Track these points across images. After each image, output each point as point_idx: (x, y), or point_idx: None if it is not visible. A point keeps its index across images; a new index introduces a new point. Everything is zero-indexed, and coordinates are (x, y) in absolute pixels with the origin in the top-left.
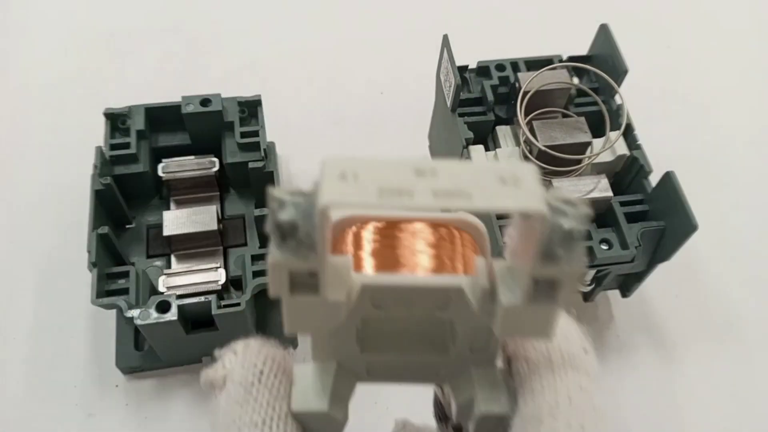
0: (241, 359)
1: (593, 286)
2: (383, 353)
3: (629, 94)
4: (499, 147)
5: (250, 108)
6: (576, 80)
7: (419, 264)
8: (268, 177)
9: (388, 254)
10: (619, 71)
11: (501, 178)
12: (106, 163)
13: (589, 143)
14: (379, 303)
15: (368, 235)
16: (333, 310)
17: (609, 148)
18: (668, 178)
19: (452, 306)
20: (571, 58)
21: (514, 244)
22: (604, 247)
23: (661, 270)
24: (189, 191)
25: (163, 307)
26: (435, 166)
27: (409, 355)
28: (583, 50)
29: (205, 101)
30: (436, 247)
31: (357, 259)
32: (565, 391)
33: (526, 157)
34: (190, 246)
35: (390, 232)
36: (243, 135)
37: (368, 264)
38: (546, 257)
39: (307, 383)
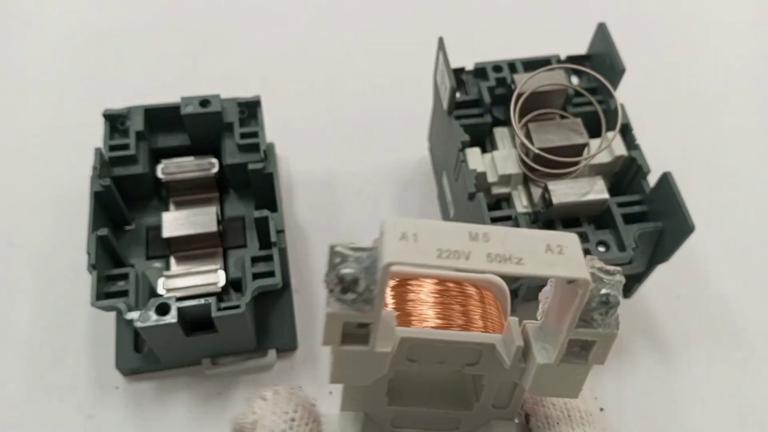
0: (272, 406)
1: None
2: (410, 406)
3: (628, 94)
4: (497, 149)
5: (250, 109)
6: (574, 80)
7: (451, 320)
8: (268, 178)
9: (421, 310)
10: (616, 71)
11: (548, 245)
12: (105, 165)
13: (585, 145)
14: (414, 356)
15: (402, 291)
16: (378, 362)
17: (606, 148)
18: (666, 179)
19: (483, 362)
20: (569, 59)
21: (551, 306)
22: (602, 249)
23: (661, 271)
24: (188, 192)
25: (163, 309)
26: (487, 231)
27: (434, 408)
28: (581, 50)
29: (204, 102)
30: (465, 304)
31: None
32: None
33: (522, 160)
34: (190, 248)
35: (422, 288)
36: (242, 136)
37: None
38: (583, 320)
39: None
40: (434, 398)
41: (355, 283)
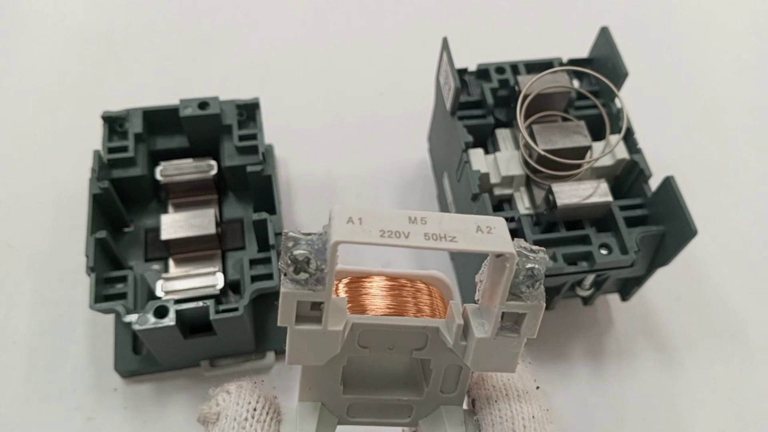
0: (235, 397)
1: (592, 290)
2: (363, 393)
3: (630, 97)
4: (499, 150)
5: (249, 111)
6: (576, 83)
7: (401, 310)
8: (267, 180)
9: (373, 302)
10: (619, 74)
11: (478, 227)
12: (104, 167)
13: (588, 147)
14: (365, 343)
15: (356, 287)
16: (331, 341)
17: (609, 152)
18: (668, 183)
19: (430, 346)
20: (572, 61)
21: (485, 286)
22: (604, 251)
23: (661, 273)
24: (187, 195)
25: (161, 312)
26: (425, 215)
27: (387, 394)
28: (583, 53)
29: (203, 104)
30: (414, 297)
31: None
32: (520, 420)
33: (525, 161)
34: (189, 250)
35: (374, 284)
36: (241, 138)
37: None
38: (512, 294)
39: (294, 423)
40: (387, 386)
41: (307, 263)
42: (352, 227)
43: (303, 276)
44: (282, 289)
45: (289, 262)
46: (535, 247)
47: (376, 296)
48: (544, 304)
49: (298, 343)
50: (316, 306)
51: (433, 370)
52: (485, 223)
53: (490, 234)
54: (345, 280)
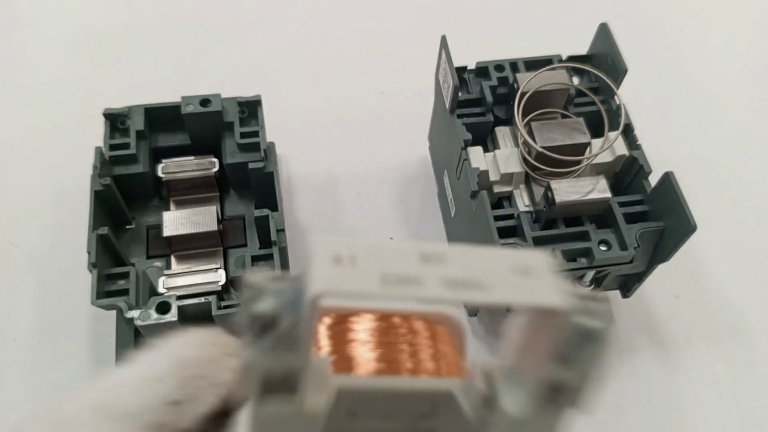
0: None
1: (592, 286)
2: None
3: (629, 94)
4: (498, 148)
5: (250, 108)
6: (576, 80)
7: (398, 363)
8: (268, 177)
9: (362, 352)
10: (618, 71)
11: (513, 267)
12: (105, 164)
13: (587, 144)
14: (355, 411)
15: (341, 331)
16: (310, 421)
17: (608, 148)
18: (667, 179)
19: (439, 413)
20: (571, 58)
21: (518, 342)
22: (603, 248)
23: (662, 270)
24: (189, 192)
25: (164, 308)
26: (442, 251)
27: None
28: (583, 50)
29: (204, 101)
30: (413, 343)
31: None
32: None
33: (524, 159)
34: (190, 247)
35: (362, 325)
36: (243, 135)
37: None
38: (560, 359)
39: None
40: None
41: (275, 322)
42: (341, 271)
43: (269, 340)
44: (242, 357)
45: (250, 320)
46: (592, 293)
47: (366, 343)
48: (602, 373)
49: (264, 425)
50: (291, 373)
51: None
52: (522, 261)
53: (530, 277)
54: (327, 320)
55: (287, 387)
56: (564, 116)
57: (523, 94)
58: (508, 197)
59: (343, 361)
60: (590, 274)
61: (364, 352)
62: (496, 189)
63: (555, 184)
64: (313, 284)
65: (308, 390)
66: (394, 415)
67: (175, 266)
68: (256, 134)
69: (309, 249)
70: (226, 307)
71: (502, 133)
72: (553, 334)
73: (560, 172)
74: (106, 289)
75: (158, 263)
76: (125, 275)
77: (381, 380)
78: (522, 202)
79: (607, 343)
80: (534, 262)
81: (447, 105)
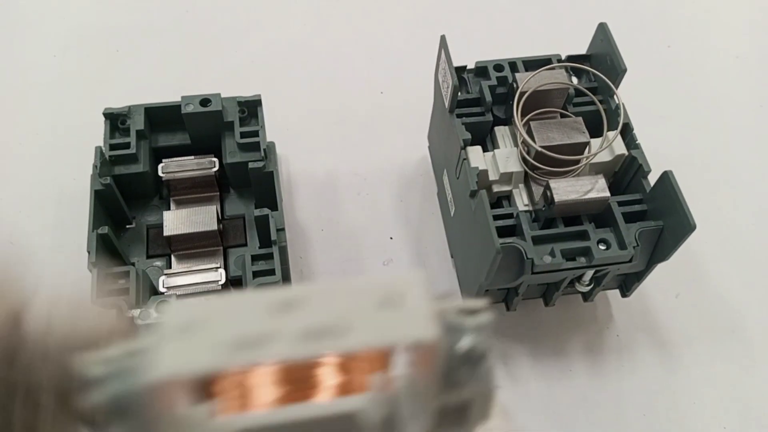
0: None
1: (592, 285)
2: None
3: (628, 94)
4: (498, 148)
5: (250, 108)
6: (575, 80)
7: (303, 385)
8: (268, 177)
9: (261, 393)
10: (617, 70)
11: (378, 299)
12: (105, 163)
13: (586, 143)
14: None
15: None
16: None
17: (607, 147)
18: (666, 178)
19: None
20: (570, 58)
21: (410, 375)
22: (602, 247)
23: (661, 269)
24: (189, 191)
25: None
26: (304, 294)
27: None
28: (582, 49)
29: (204, 101)
30: (311, 366)
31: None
32: None
33: (524, 158)
34: (190, 246)
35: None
36: (243, 135)
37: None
38: (448, 384)
39: None
40: None
41: (118, 413)
42: (188, 343)
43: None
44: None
45: (80, 414)
46: (472, 306)
47: (263, 385)
48: (495, 386)
49: None
50: None
51: None
52: (387, 290)
53: (395, 308)
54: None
55: None
56: (563, 116)
57: (522, 94)
58: (508, 196)
59: (235, 399)
60: (589, 273)
61: (263, 383)
62: (496, 188)
63: (554, 184)
64: (154, 369)
65: None
66: None
67: (176, 266)
68: (256, 134)
69: (160, 318)
70: None
71: (502, 132)
72: (432, 363)
73: (559, 171)
74: (107, 288)
75: (158, 263)
76: (125, 274)
77: (279, 412)
78: (521, 201)
79: (488, 356)
80: (399, 288)
81: (446, 105)
